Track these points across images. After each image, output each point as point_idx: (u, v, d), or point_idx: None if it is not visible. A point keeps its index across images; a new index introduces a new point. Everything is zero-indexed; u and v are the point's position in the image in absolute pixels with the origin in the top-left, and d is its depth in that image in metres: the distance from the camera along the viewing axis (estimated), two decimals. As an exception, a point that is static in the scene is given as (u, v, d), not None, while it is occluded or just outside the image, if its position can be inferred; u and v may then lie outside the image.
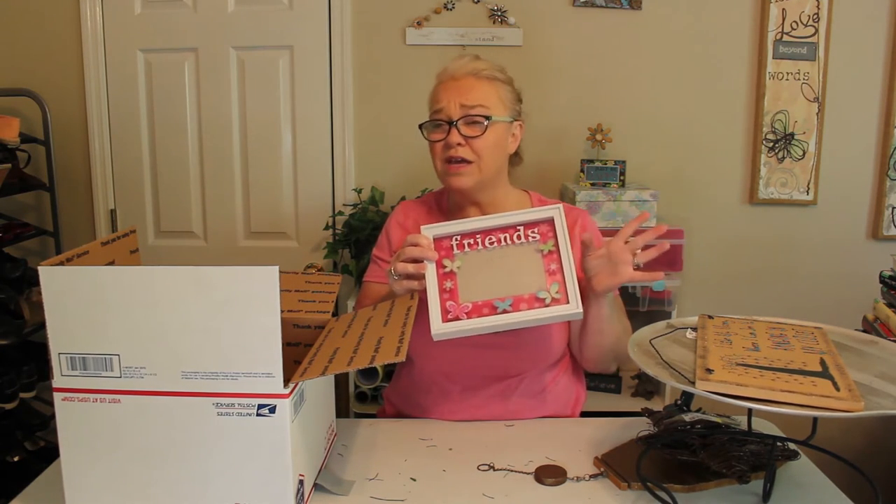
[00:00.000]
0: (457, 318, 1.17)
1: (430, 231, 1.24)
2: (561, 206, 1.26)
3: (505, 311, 1.17)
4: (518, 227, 1.24)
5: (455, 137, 1.33)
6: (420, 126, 1.40)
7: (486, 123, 1.32)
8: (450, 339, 1.18)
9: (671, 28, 2.52)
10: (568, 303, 1.17)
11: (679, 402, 1.21)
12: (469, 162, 1.34)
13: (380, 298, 1.33)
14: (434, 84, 1.41)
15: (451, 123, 1.33)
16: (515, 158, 1.46)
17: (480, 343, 1.26)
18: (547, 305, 1.17)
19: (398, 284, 1.22)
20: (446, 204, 1.49)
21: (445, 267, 1.22)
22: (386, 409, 1.55)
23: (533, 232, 1.23)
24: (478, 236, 1.23)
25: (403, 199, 2.33)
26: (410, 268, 1.20)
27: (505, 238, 1.23)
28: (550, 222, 1.24)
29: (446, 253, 1.23)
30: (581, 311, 1.16)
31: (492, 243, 1.23)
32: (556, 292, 1.18)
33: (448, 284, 1.20)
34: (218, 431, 0.96)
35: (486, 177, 1.36)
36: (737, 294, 2.64)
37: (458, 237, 1.24)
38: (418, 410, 1.43)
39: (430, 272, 1.20)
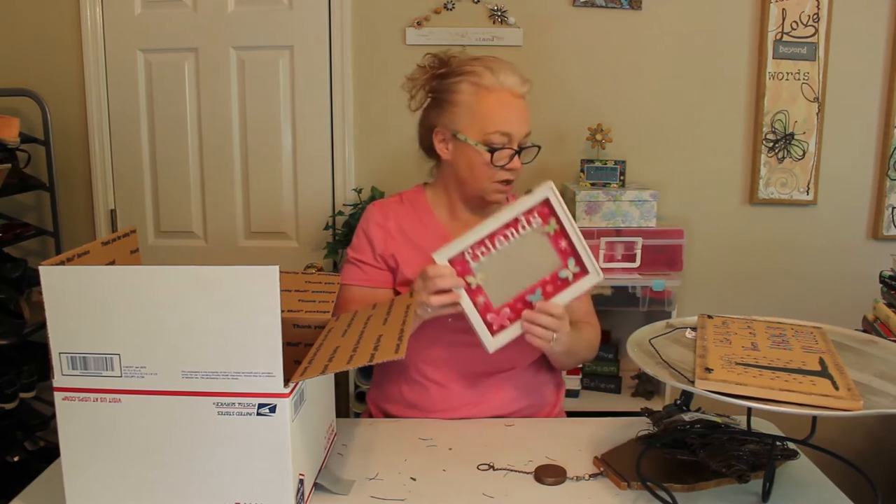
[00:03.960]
0: (502, 327, 1.25)
1: (443, 255, 1.23)
2: (551, 183, 1.29)
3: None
4: (519, 219, 1.26)
5: (519, 164, 1.39)
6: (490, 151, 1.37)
7: (537, 153, 1.41)
8: (441, 340, 1.28)
9: (671, 28, 2.52)
10: (588, 273, 1.27)
11: (679, 401, 1.21)
12: (512, 181, 1.41)
13: (370, 306, 1.33)
14: (485, 87, 1.36)
15: (517, 152, 1.38)
16: None
17: (473, 342, 1.27)
18: (571, 283, 1.26)
19: (435, 313, 1.25)
20: (427, 205, 1.48)
21: (471, 284, 1.24)
22: (372, 413, 1.52)
23: (534, 216, 1.27)
24: (486, 241, 1.25)
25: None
26: (446, 299, 1.22)
27: (511, 233, 1.25)
28: (546, 202, 1.28)
29: (464, 269, 1.24)
30: (602, 276, 1.28)
31: (501, 242, 1.25)
32: (575, 266, 1.27)
33: (481, 299, 1.24)
34: (218, 431, 0.96)
35: None
36: (737, 294, 2.64)
37: (470, 250, 1.24)
38: (412, 411, 1.42)
39: (463, 296, 1.23)
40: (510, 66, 1.39)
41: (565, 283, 1.26)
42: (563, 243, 1.27)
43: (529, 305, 1.25)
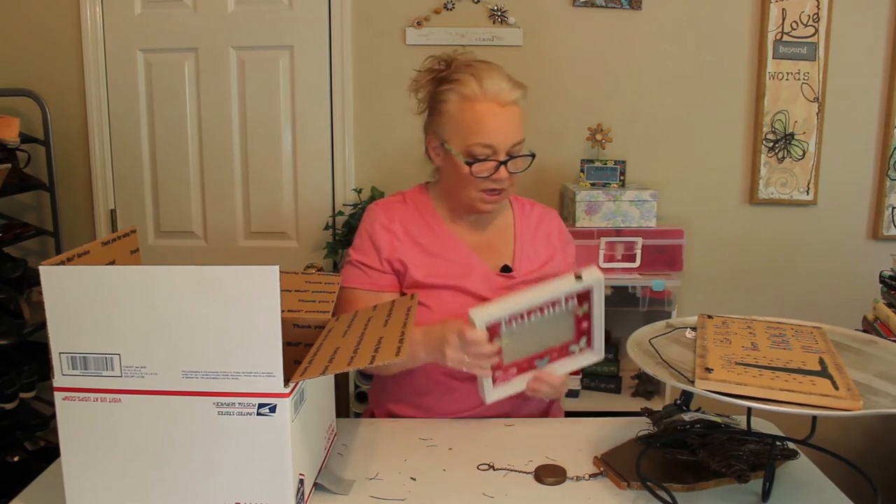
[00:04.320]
0: (504, 381, 1.27)
1: (482, 320, 1.20)
2: (602, 276, 1.27)
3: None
4: (559, 300, 1.26)
5: (504, 175, 1.35)
6: (469, 164, 1.36)
7: (531, 161, 1.38)
8: None
9: (671, 28, 2.52)
10: (593, 350, 1.32)
11: (679, 401, 1.21)
12: (503, 190, 1.38)
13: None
14: (468, 97, 1.34)
15: (502, 163, 1.35)
16: None
17: None
18: (575, 355, 1.31)
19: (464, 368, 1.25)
20: (431, 205, 1.47)
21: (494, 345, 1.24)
22: (374, 413, 1.52)
23: (573, 298, 1.27)
24: (525, 314, 1.24)
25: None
26: (486, 364, 1.22)
27: (548, 309, 1.26)
28: (590, 290, 1.27)
29: (493, 332, 1.22)
30: (602, 355, 1.32)
31: (535, 315, 1.25)
32: (584, 343, 1.32)
33: (496, 359, 1.25)
34: (218, 431, 0.96)
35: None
36: (737, 294, 2.64)
37: (507, 318, 1.23)
38: (418, 411, 1.42)
39: None
40: (499, 72, 1.36)
41: (571, 354, 1.31)
42: (585, 324, 1.30)
43: (534, 366, 1.28)
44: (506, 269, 1.43)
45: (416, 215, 1.46)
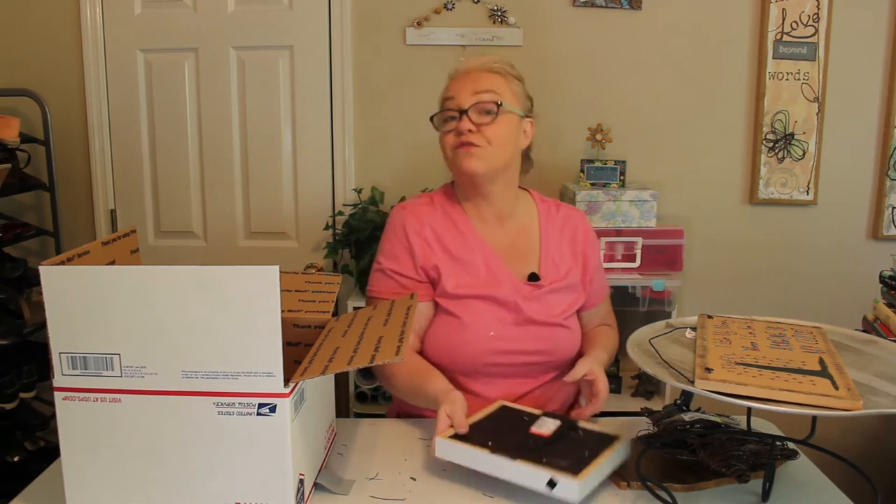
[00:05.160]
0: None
1: (443, 454, 1.12)
2: (626, 447, 1.13)
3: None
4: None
5: (466, 124, 1.33)
6: (431, 119, 1.40)
7: (497, 110, 1.33)
8: (490, 347, 1.33)
9: (671, 28, 2.52)
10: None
11: (679, 401, 1.21)
12: (475, 145, 1.33)
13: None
14: (448, 78, 1.41)
15: (462, 112, 1.33)
16: (526, 161, 1.46)
17: (520, 350, 1.35)
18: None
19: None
20: (460, 207, 1.44)
21: None
22: (399, 412, 1.49)
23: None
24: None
25: (403, 199, 2.33)
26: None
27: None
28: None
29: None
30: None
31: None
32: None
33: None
34: (218, 431, 0.96)
35: (497, 165, 1.35)
36: (737, 294, 2.64)
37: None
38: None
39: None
40: (482, 58, 1.41)
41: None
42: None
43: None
44: (533, 277, 1.40)
45: (446, 218, 1.42)
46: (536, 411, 1.22)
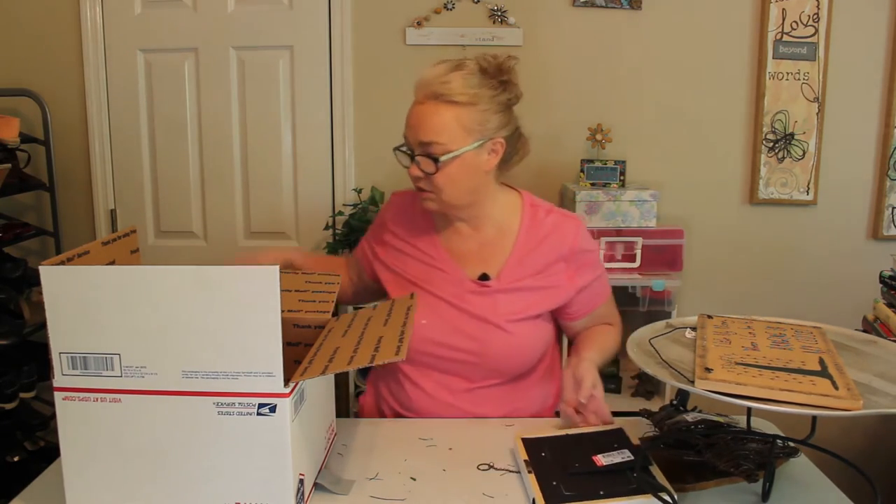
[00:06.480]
0: None
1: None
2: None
3: None
4: None
5: (414, 171, 1.32)
6: (394, 150, 1.36)
7: (436, 166, 1.28)
8: (421, 335, 1.35)
9: (671, 28, 2.52)
10: None
11: (675, 401, 1.21)
12: (429, 192, 1.33)
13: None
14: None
15: (412, 157, 1.32)
16: (506, 165, 1.38)
17: (450, 345, 1.35)
18: None
19: None
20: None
21: None
22: (367, 398, 1.54)
23: None
24: None
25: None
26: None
27: None
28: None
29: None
30: None
31: None
32: None
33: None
34: (218, 431, 0.96)
35: (454, 203, 1.34)
36: (737, 294, 2.64)
37: None
38: (401, 410, 1.43)
39: None
40: (446, 66, 1.31)
41: None
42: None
43: None
44: (484, 277, 1.38)
45: (415, 214, 1.46)
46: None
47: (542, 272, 1.38)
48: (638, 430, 1.23)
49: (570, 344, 1.50)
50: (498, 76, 1.31)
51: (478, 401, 1.38)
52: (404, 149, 1.33)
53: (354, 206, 2.55)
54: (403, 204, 1.50)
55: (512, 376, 1.39)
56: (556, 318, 1.45)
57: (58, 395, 0.97)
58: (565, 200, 2.50)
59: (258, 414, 0.95)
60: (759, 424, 1.28)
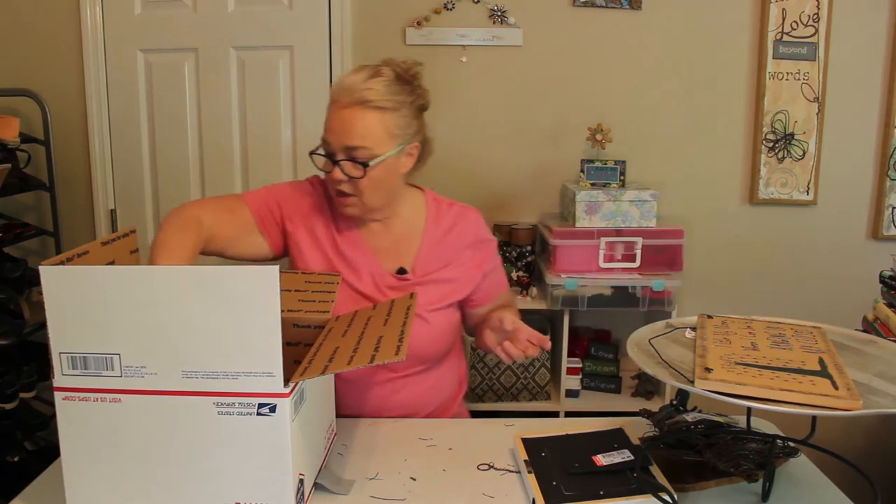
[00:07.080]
0: None
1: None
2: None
3: None
4: None
5: (337, 175, 1.32)
6: (311, 154, 1.36)
7: (364, 170, 1.30)
8: None
9: (671, 28, 2.52)
10: None
11: (675, 401, 1.21)
12: (352, 196, 1.34)
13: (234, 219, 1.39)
14: (330, 98, 1.34)
15: (334, 162, 1.32)
16: (416, 167, 1.42)
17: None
18: None
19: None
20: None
21: None
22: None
23: None
24: None
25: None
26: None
27: None
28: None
29: None
30: None
31: None
32: None
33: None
34: (218, 431, 0.96)
35: (374, 206, 1.37)
36: (737, 294, 2.64)
37: None
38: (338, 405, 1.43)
39: None
40: (367, 72, 1.32)
41: None
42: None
43: None
44: (401, 272, 1.42)
45: (334, 208, 1.44)
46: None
47: (452, 263, 1.44)
48: (638, 430, 1.23)
49: (472, 333, 1.54)
50: (412, 82, 1.36)
51: (401, 388, 1.42)
52: (321, 152, 1.34)
53: (354, 206, 2.55)
54: (326, 196, 1.46)
55: (432, 362, 1.44)
56: (461, 305, 1.49)
57: (58, 395, 0.97)
58: (565, 200, 2.50)
59: (258, 414, 0.95)
60: (759, 424, 1.28)
